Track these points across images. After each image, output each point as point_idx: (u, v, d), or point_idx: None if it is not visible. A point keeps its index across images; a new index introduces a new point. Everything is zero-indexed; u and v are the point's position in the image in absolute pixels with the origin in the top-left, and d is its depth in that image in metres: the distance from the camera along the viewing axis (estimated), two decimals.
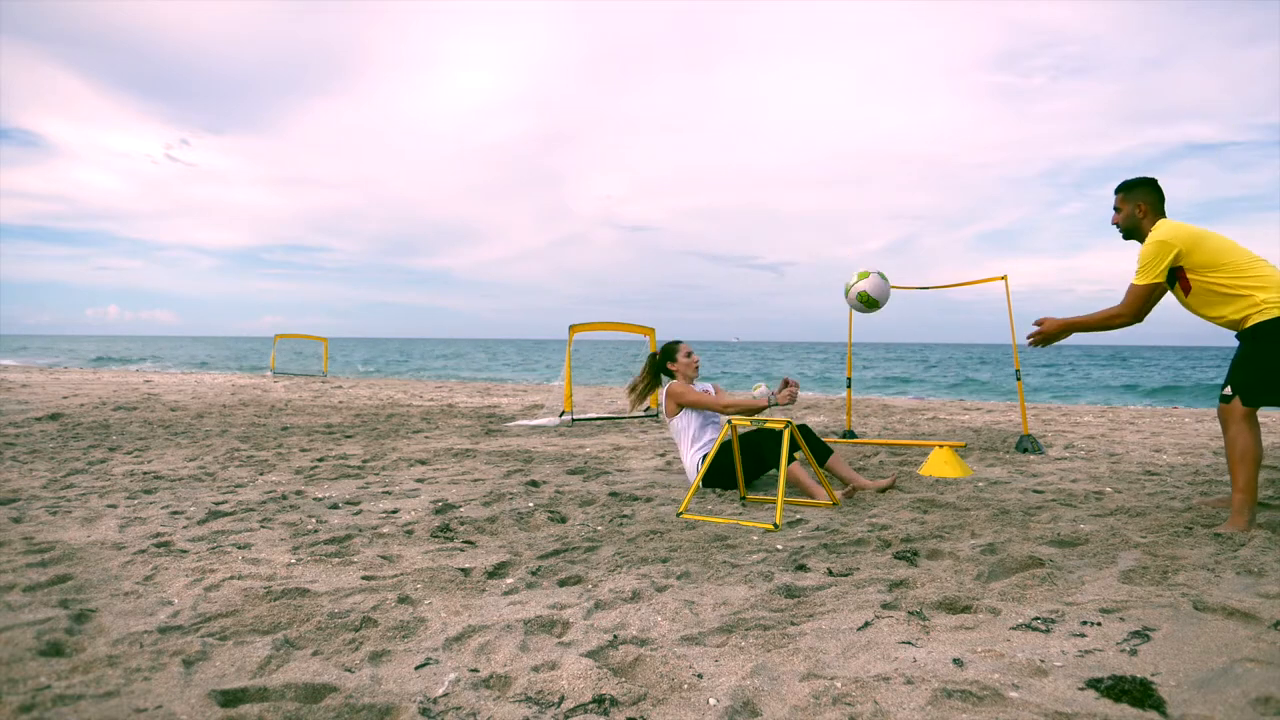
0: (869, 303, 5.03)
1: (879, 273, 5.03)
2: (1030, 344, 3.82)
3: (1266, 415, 9.53)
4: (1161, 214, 3.60)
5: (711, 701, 1.70)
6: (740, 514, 3.66)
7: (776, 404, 4.24)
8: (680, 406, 4.43)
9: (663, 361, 4.65)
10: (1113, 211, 3.69)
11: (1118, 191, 3.67)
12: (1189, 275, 3.39)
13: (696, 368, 4.62)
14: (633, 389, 4.71)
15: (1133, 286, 3.46)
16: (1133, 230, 3.62)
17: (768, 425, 3.74)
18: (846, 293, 5.07)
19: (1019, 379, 6.21)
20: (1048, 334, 3.72)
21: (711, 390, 4.60)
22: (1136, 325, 3.59)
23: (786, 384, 4.31)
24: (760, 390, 7.18)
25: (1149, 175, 3.62)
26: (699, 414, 4.44)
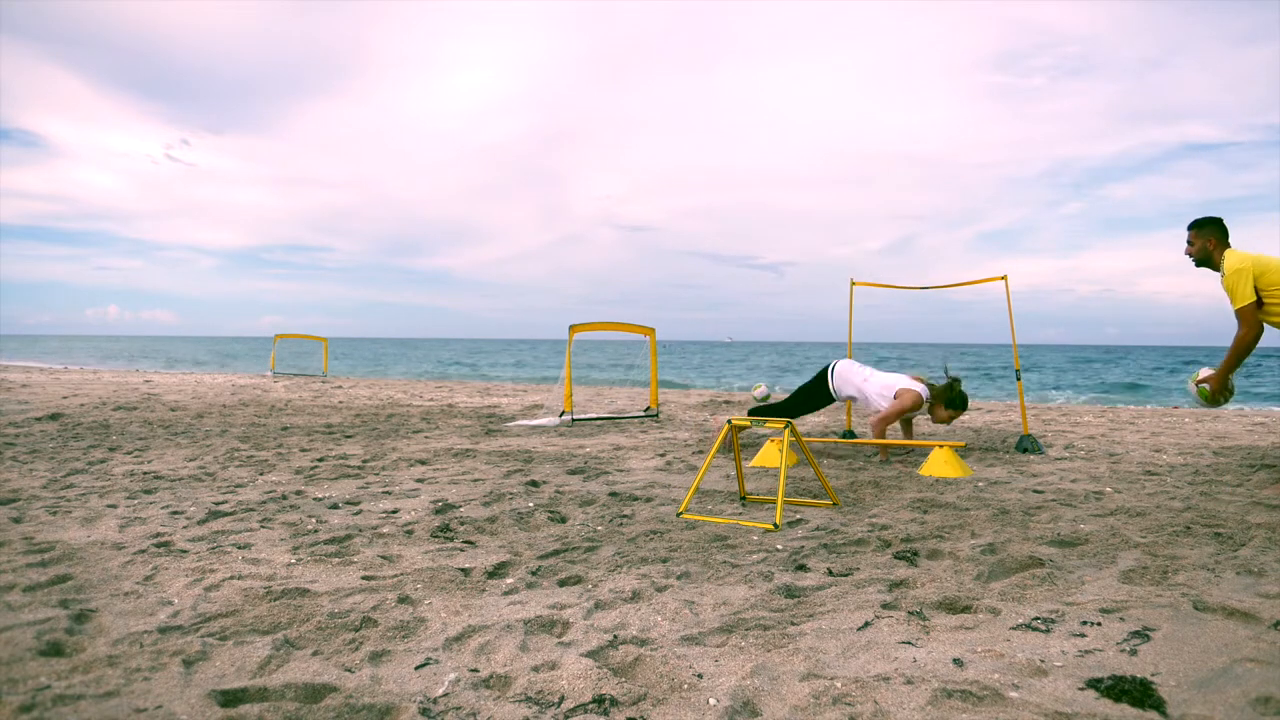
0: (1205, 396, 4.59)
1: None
2: (1213, 404, 4.39)
3: (1267, 414, 9.54)
4: (1228, 245, 4.32)
5: (711, 701, 1.70)
6: (740, 514, 3.66)
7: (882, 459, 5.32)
8: (882, 413, 5.28)
9: (947, 396, 5.34)
10: (1186, 244, 4.39)
11: (1190, 228, 4.39)
12: (1261, 294, 4.10)
13: (945, 422, 5.46)
14: (930, 401, 5.37)
15: (1240, 310, 4.15)
16: (1205, 260, 4.35)
17: (768, 424, 3.75)
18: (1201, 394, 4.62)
19: (1019, 379, 6.21)
20: (1217, 392, 4.34)
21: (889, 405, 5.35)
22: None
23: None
24: (760, 390, 7.15)
25: (1215, 215, 4.36)
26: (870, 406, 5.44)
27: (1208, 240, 4.31)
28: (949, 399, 5.35)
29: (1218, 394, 4.35)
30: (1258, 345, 4.20)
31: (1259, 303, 4.12)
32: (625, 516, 3.57)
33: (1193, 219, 4.41)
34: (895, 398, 5.32)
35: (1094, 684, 1.75)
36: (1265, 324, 4.20)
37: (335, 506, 3.78)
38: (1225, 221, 4.32)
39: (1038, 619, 2.17)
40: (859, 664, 1.89)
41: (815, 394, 5.72)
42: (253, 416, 8.36)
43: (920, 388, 5.33)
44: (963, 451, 5.68)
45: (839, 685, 1.76)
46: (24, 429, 6.79)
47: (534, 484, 4.39)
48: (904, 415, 5.33)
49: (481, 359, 46.39)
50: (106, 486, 4.20)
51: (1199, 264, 4.39)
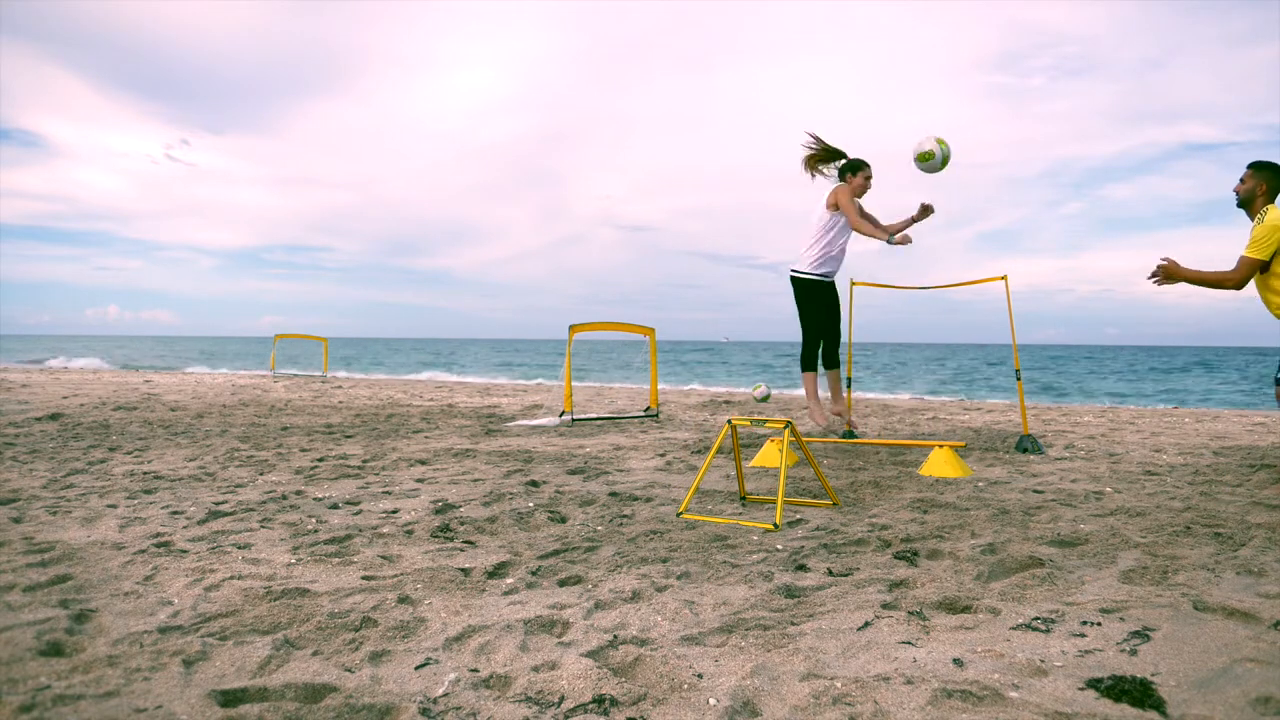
0: (924, 158, 4.85)
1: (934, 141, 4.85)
2: (1154, 281, 4.40)
3: (1267, 415, 9.54)
4: (1275, 199, 4.20)
5: (711, 701, 1.70)
6: (740, 514, 3.66)
7: (895, 242, 5.20)
8: (838, 208, 5.38)
9: (849, 167, 5.45)
10: (1239, 181, 4.30)
11: (1250, 166, 4.30)
12: (1277, 264, 4.06)
13: (865, 191, 5.47)
14: (811, 157, 5.52)
15: (1243, 258, 4.11)
16: (1248, 203, 4.27)
17: (768, 424, 3.75)
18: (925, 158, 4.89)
19: (1019, 379, 6.22)
20: (1169, 272, 4.33)
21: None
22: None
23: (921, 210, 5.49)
24: (761, 390, 7.15)
25: (1278, 163, 4.25)
26: (839, 225, 5.43)
27: (1259, 184, 4.23)
28: (848, 169, 5.48)
29: (1166, 277, 4.33)
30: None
31: (1268, 269, 4.09)
32: (625, 516, 3.57)
33: (1256, 159, 4.34)
34: (830, 200, 5.40)
35: (1094, 684, 1.75)
36: (1266, 304, 4.20)
37: (335, 506, 3.78)
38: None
39: (1038, 619, 2.17)
40: (859, 664, 1.89)
41: (801, 304, 5.68)
42: (253, 416, 8.36)
43: (838, 185, 5.44)
44: (963, 451, 5.69)
45: (839, 685, 1.76)
46: (24, 429, 6.79)
47: (534, 484, 4.39)
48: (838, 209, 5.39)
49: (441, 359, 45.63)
50: (106, 486, 4.20)
51: (1240, 205, 4.32)
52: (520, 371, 31.31)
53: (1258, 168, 4.27)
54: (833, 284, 5.68)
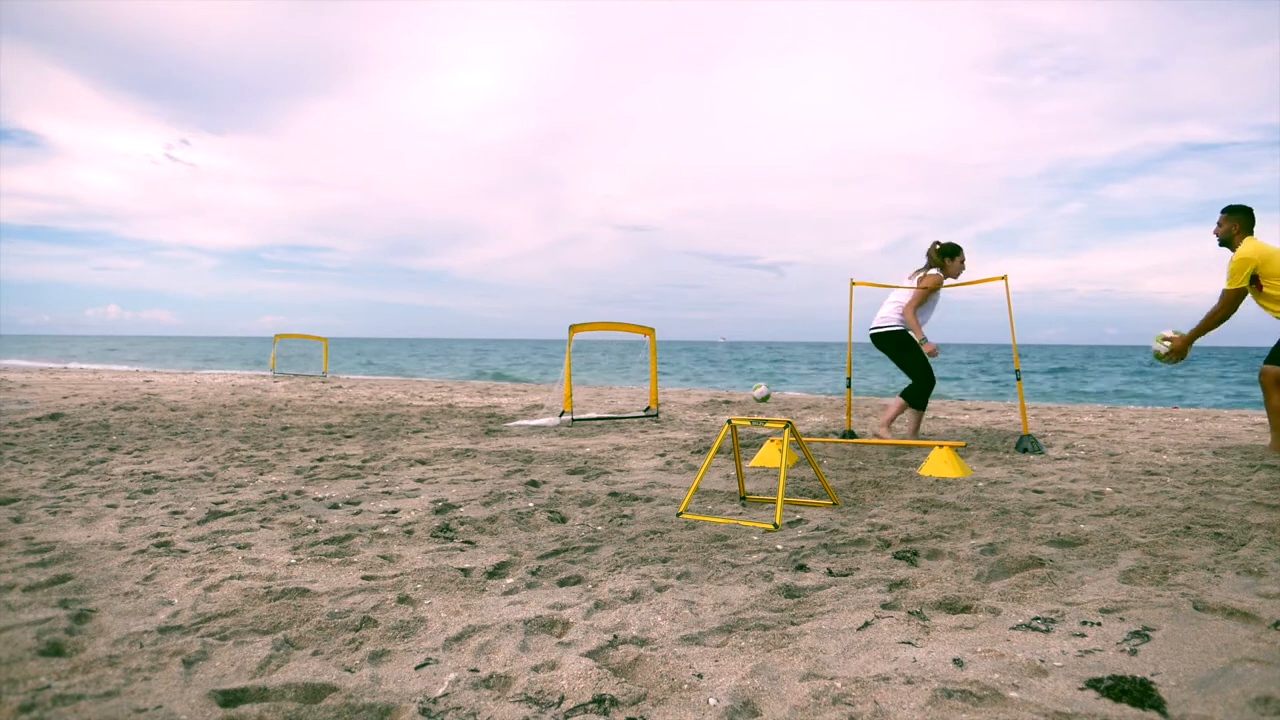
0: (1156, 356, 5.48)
1: None
2: (1166, 362, 5.18)
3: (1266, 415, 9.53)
4: (1250, 234, 5.03)
5: (711, 701, 1.70)
6: (740, 514, 3.66)
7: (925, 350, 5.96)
8: (921, 289, 5.99)
9: (948, 250, 6.09)
10: (1216, 224, 5.14)
11: (1223, 212, 5.16)
12: (1262, 280, 4.84)
13: (961, 272, 6.15)
14: (940, 269, 6.11)
15: (1225, 291, 4.97)
16: (1227, 241, 5.11)
17: (768, 424, 3.75)
18: None
19: (1019, 379, 6.22)
20: (1179, 350, 5.16)
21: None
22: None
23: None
24: (761, 390, 7.14)
25: (1247, 205, 5.11)
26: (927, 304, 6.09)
27: (1233, 225, 5.03)
28: (946, 252, 6.09)
29: (1176, 356, 5.13)
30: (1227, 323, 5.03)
31: (1259, 287, 4.81)
32: (625, 516, 3.57)
33: (1227, 204, 5.16)
34: (918, 283, 6.00)
35: (1094, 684, 1.75)
36: (1265, 310, 4.83)
37: (335, 506, 3.78)
38: (1254, 212, 5.05)
39: (1038, 619, 2.17)
40: (859, 664, 1.89)
41: (905, 352, 6.09)
42: (253, 416, 8.36)
43: (932, 272, 6.03)
44: (963, 451, 5.68)
45: (839, 685, 1.76)
46: (24, 429, 6.79)
47: (534, 484, 4.39)
48: (930, 293, 5.98)
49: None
50: (106, 486, 4.20)
51: (1221, 244, 5.09)
52: (474, 371, 30.72)
53: (1230, 211, 5.05)
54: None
